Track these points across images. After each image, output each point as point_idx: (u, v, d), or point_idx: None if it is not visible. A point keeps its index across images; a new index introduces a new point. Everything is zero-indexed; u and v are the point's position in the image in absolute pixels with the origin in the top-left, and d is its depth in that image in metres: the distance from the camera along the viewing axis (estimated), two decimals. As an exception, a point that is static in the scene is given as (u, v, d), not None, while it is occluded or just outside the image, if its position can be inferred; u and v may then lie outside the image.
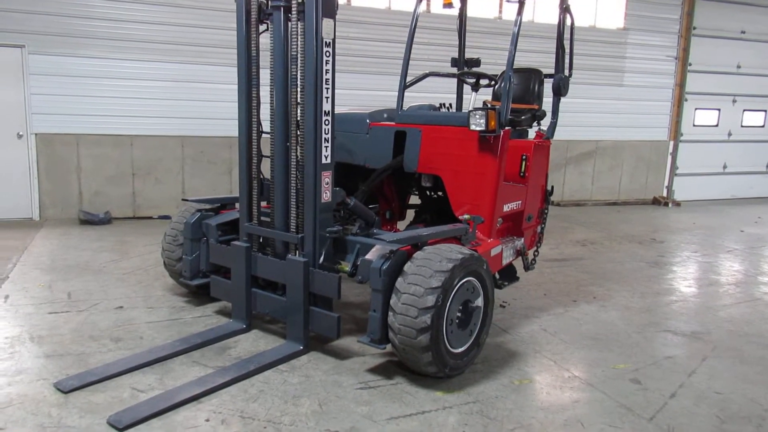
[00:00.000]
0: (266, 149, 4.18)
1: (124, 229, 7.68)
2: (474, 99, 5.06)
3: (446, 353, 3.55)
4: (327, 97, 3.84)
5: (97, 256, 6.29)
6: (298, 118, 3.97)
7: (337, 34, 3.84)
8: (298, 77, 3.90)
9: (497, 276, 4.66)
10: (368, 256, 3.69)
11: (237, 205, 4.60)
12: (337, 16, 3.82)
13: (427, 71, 5.31)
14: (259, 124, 4.25)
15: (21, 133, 7.84)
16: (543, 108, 5.18)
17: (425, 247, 3.72)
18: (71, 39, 7.78)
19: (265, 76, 4.11)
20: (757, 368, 4.09)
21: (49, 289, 5.14)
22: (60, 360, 3.75)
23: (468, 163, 4.46)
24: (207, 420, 3.12)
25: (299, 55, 3.85)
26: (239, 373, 3.58)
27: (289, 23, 3.91)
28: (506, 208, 4.60)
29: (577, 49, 5.29)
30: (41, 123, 7.87)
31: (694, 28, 11.36)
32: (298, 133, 3.99)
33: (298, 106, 3.95)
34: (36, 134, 7.87)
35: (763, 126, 12.64)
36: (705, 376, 3.91)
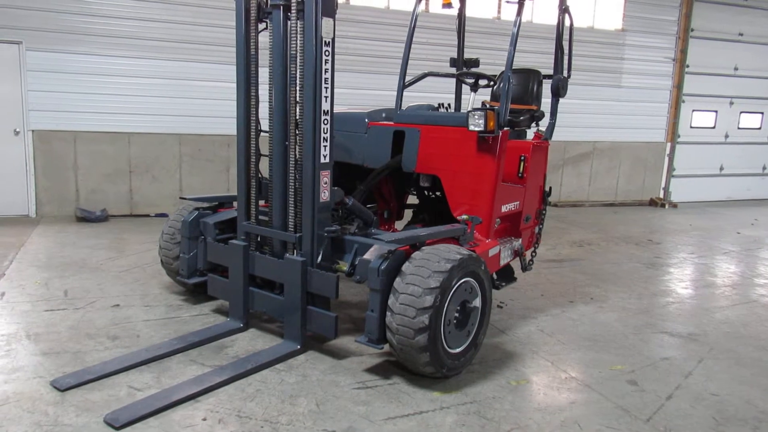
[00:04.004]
0: (265, 148, 4.17)
1: (121, 227, 7.66)
2: (473, 99, 5.06)
3: (444, 353, 3.55)
4: (326, 96, 3.83)
5: (94, 253, 6.27)
6: (297, 117, 3.97)
7: (336, 33, 3.84)
8: (298, 76, 3.89)
9: (495, 276, 4.67)
10: (366, 256, 3.69)
11: (235, 203, 4.59)
12: (336, 16, 3.82)
13: (426, 71, 5.31)
14: (257, 122, 4.24)
15: (18, 130, 7.81)
16: (542, 109, 5.18)
17: (423, 248, 3.72)
18: (69, 36, 7.75)
19: (264, 74, 4.10)
20: (754, 370, 4.10)
21: (45, 286, 5.13)
22: (56, 358, 3.74)
23: (466, 164, 4.46)
24: (204, 419, 3.11)
25: (298, 54, 3.85)
26: (236, 372, 3.57)
27: (289, 22, 3.90)
28: (504, 208, 4.60)
29: (576, 50, 5.30)
30: (38, 120, 7.83)
31: (692, 30, 11.38)
32: (297, 132, 3.98)
33: (297, 105, 3.95)
34: (33, 131, 7.84)
35: (759, 128, 12.67)
36: (701, 378, 3.92)
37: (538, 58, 7.88)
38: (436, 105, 5.31)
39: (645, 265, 6.87)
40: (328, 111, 3.86)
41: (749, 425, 3.35)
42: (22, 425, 2.97)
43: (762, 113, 12.60)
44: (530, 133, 5.18)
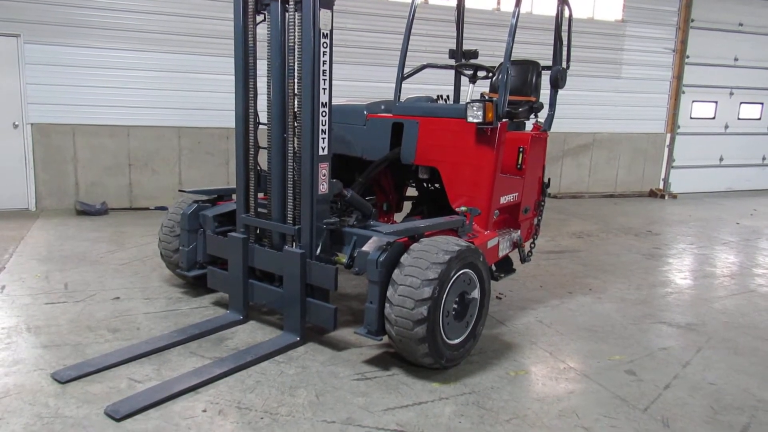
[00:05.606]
0: (263, 140, 4.17)
1: (121, 220, 7.67)
2: (471, 91, 5.05)
3: (442, 345, 3.57)
4: (324, 89, 3.83)
5: (94, 246, 6.28)
6: (296, 110, 3.96)
7: (334, 25, 3.83)
8: (296, 68, 3.88)
9: (494, 268, 4.68)
10: (365, 248, 3.70)
11: (234, 196, 4.59)
12: (334, 7, 3.81)
13: (425, 63, 5.30)
14: (256, 115, 4.23)
15: (17, 123, 7.80)
16: (540, 100, 5.17)
17: (422, 239, 3.73)
18: (67, 28, 7.72)
19: (262, 67, 4.09)
20: (751, 359, 4.12)
21: (45, 279, 5.14)
22: (57, 350, 3.76)
23: (465, 155, 4.46)
24: (204, 410, 3.13)
25: (296, 46, 3.84)
26: (236, 364, 3.59)
27: (287, 14, 3.89)
28: (503, 200, 4.61)
29: (575, 41, 5.29)
30: (37, 113, 7.82)
31: (692, 21, 11.34)
32: (296, 124, 3.98)
33: (296, 98, 3.94)
34: (32, 124, 7.83)
35: (759, 119, 12.64)
36: (699, 367, 3.94)
37: (537, 49, 7.85)
38: (435, 97, 5.31)
39: (644, 256, 6.88)
40: (326, 103, 3.86)
41: (746, 414, 3.37)
42: (23, 417, 2.99)
43: (762, 104, 12.56)
44: (529, 125, 5.18)
